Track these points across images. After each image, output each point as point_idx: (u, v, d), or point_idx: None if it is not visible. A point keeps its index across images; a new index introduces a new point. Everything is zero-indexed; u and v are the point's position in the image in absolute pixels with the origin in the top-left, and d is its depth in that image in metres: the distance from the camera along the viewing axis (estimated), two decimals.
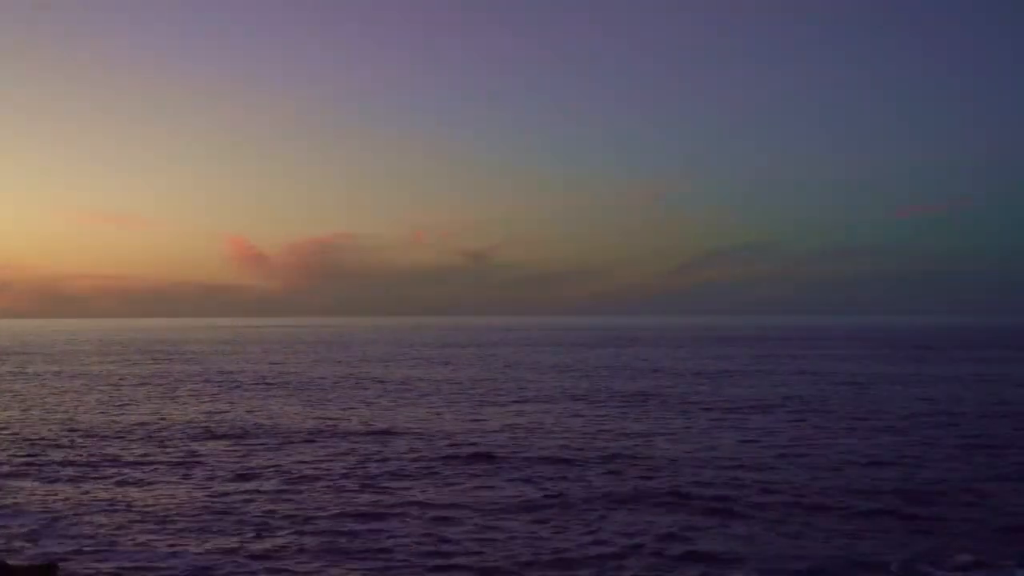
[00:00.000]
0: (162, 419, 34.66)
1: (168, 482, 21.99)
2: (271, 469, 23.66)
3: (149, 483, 21.85)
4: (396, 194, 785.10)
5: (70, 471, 23.38)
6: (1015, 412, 36.22)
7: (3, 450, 26.82)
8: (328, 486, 21.37)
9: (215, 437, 29.74)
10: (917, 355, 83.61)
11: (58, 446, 27.66)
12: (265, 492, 20.66)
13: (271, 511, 18.72)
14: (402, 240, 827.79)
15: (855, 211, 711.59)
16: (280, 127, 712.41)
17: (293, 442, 28.37)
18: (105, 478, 22.47)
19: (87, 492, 20.71)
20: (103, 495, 20.39)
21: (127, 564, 14.97)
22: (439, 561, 15.15)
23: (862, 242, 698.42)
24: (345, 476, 22.63)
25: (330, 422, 33.45)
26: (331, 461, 24.79)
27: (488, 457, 25.18)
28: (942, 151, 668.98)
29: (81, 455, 25.91)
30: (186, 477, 22.67)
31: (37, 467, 23.93)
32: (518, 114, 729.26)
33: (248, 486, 21.36)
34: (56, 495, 20.33)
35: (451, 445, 27.43)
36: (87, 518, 18.14)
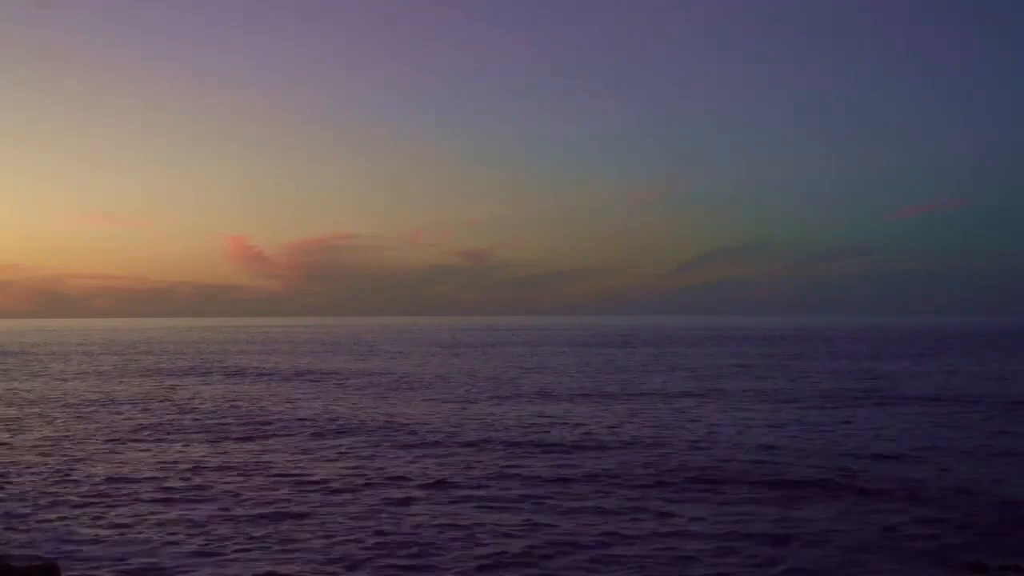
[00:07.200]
0: (172, 418, 34.76)
1: (175, 481, 22.01)
2: (296, 466, 23.67)
3: (156, 483, 21.87)
4: (396, 194, 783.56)
5: (73, 470, 23.41)
6: None
7: (5, 449, 26.91)
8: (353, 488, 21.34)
9: (231, 436, 29.78)
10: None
11: (61, 444, 27.71)
12: (279, 490, 20.76)
13: (282, 509, 18.82)
14: (402, 240, 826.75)
15: (852, 212, 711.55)
16: (280, 127, 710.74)
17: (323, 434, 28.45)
18: (109, 476, 22.49)
19: (90, 491, 20.74)
20: (107, 494, 20.41)
21: (130, 565, 15.02)
22: None
23: (860, 242, 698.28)
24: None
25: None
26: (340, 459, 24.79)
27: None
28: (937, 152, 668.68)
29: (85, 454, 25.97)
30: (195, 476, 22.69)
31: (39, 466, 23.99)
32: (518, 114, 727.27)
33: (257, 484, 21.44)
34: (58, 494, 20.36)
35: None
36: (90, 518, 18.19)
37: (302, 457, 25.65)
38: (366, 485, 21.53)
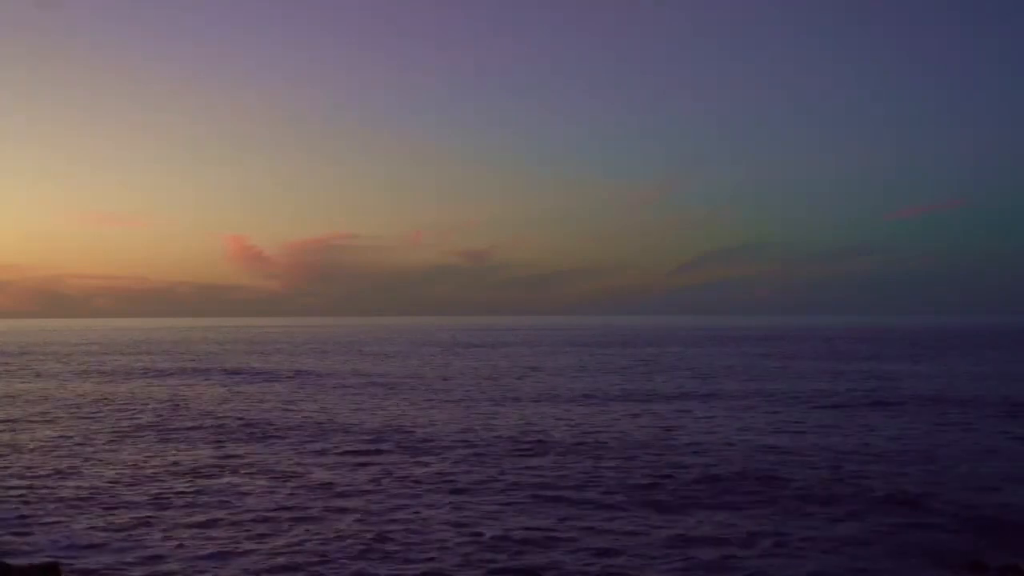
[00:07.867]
0: (173, 418, 34.78)
1: (176, 482, 22.03)
2: (302, 466, 23.70)
3: (157, 483, 21.90)
4: (396, 194, 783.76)
5: (74, 470, 23.46)
6: None
7: (6, 449, 26.94)
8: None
9: (232, 437, 29.80)
10: None
11: (63, 445, 27.75)
12: (280, 491, 20.78)
13: (283, 510, 18.84)
14: (402, 240, 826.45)
15: (852, 212, 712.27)
16: (280, 127, 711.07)
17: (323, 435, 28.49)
18: (110, 477, 22.54)
19: (91, 491, 20.77)
20: (108, 494, 20.45)
21: (131, 565, 15.04)
22: None
23: (860, 242, 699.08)
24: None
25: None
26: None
27: None
28: (937, 152, 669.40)
29: (86, 454, 26.00)
30: (196, 477, 22.71)
31: (40, 466, 24.01)
32: (518, 114, 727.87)
33: (258, 485, 21.45)
34: (59, 494, 20.40)
35: None
36: (90, 518, 18.23)
37: (303, 458, 25.68)
38: (368, 486, 21.56)
